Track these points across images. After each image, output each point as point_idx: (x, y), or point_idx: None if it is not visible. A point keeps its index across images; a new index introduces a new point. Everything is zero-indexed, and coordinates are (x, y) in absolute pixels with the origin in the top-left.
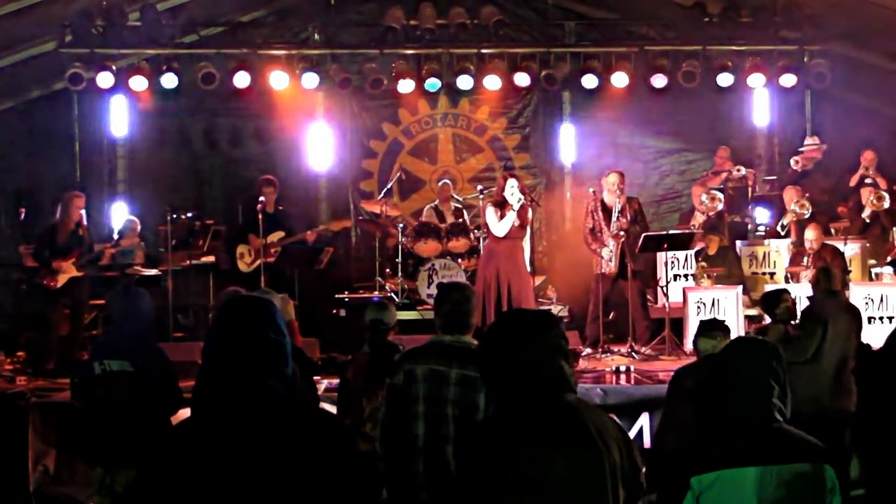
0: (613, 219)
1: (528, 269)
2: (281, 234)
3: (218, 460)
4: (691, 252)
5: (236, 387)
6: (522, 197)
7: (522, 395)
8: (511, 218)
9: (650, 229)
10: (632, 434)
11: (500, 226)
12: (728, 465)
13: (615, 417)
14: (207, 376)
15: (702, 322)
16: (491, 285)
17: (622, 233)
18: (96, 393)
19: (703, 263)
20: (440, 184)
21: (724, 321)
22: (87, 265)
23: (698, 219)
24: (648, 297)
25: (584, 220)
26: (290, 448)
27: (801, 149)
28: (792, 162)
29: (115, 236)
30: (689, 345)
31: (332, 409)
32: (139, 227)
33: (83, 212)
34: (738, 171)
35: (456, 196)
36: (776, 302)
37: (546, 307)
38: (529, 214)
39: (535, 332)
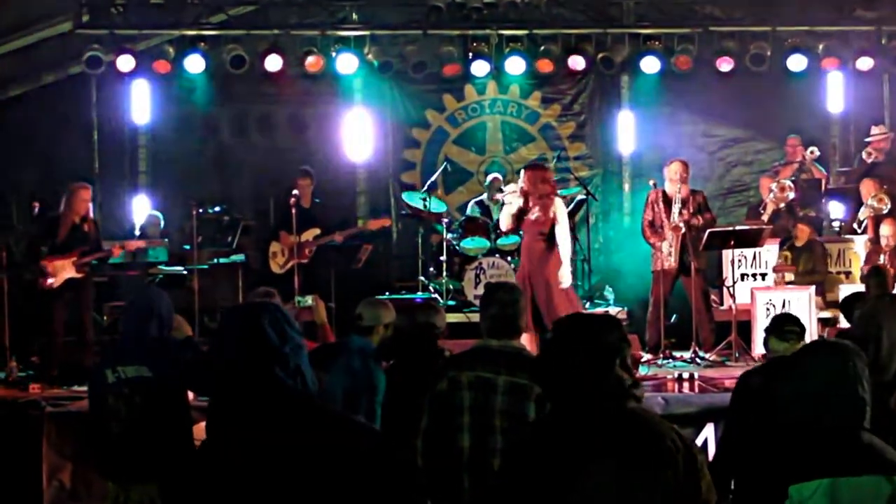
0: (674, 210)
1: (564, 269)
2: (316, 231)
3: (237, 467)
4: (760, 249)
5: (246, 390)
6: (517, 189)
7: (574, 403)
8: (507, 210)
9: (716, 225)
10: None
11: (500, 219)
12: (829, 475)
13: (677, 428)
14: (217, 382)
15: (775, 318)
16: (525, 287)
17: (682, 225)
18: (109, 403)
19: (787, 253)
20: (490, 178)
21: (798, 319)
22: (90, 265)
23: (768, 211)
24: (713, 298)
25: (644, 212)
26: (312, 454)
27: (867, 139)
28: (864, 153)
29: (137, 232)
30: (757, 350)
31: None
32: (162, 223)
33: (91, 206)
34: (812, 153)
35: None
36: (853, 304)
37: (602, 310)
38: (555, 210)
39: (591, 337)
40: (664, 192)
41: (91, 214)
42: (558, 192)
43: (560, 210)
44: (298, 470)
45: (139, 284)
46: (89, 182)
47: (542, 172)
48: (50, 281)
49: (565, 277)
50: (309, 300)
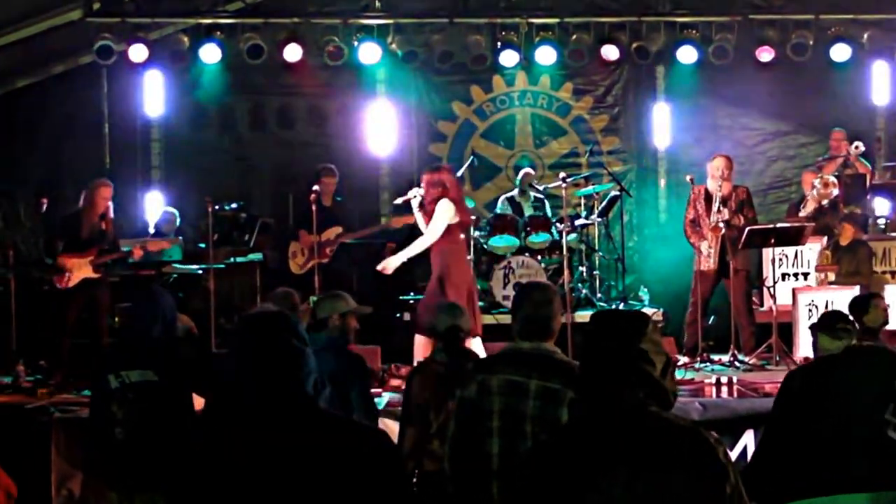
0: (714, 209)
1: (394, 258)
2: (338, 229)
3: (243, 470)
4: (802, 247)
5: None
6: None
7: (594, 405)
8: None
9: (759, 222)
10: (735, 454)
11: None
12: (838, 491)
13: (716, 435)
14: (228, 389)
15: (826, 314)
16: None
17: (722, 225)
18: (112, 409)
19: (829, 253)
20: (522, 172)
21: (849, 317)
22: (108, 266)
23: (809, 207)
24: (754, 298)
25: (686, 210)
26: (318, 458)
27: None
28: None
29: (151, 230)
30: (799, 353)
31: (395, 424)
32: (177, 220)
33: (111, 204)
34: (857, 147)
35: (535, 185)
36: (864, 308)
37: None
38: (443, 214)
39: (611, 336)
40: (707, 190)
41: (111, 213)
42: (450, 194)
43: (439, 210)
44: (305, 473)
45: (142, 284)
46: (95, 178)
47: (431, 175)
48: (66, 280)
49: (390, 263)
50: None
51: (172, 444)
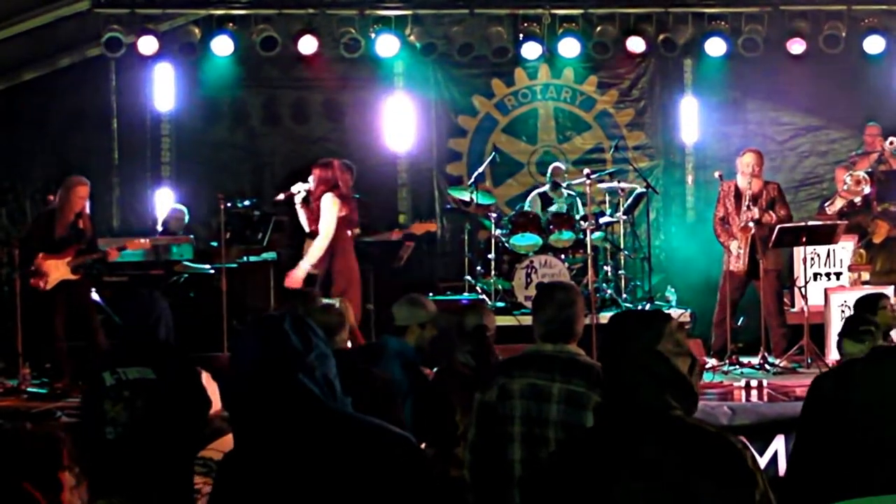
0: (744, 207)
1: (298, 270)
2: (355, 229)
3: (266, 481)
4: (834, 246)
5: (268, 399)
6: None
7: (618, 411)
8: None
9: (792, 219)
10: (765, 459)
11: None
12: (872, 494)
13: (745, 440)
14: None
15: (848, 319)
16: None
17: (752, 224)
18: (104, 408)
19: (862, 252)
20: (551, 167)
21: (871, 317)
22: (84, 267)
23: (836, 205)
24: (785, 299)
25: (716, 207)
26: (343, 465)
27: None
28: None
29: (159, 227)
30: (831, 355)
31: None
32: (187, 217)
33: (87, 203)
34: (892, 142)
35: (563, 181)
36: (873, 308)
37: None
38: (329, 210)
39: (625, 337)
40: (737, 187)
41: (87, 210)
42: (337, 191)
43: (325, 206)
44: (330, 483)
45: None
46: (103, 174)
47: (321, 170)
48: (43, 282)
49: (296, 275)
50: (336, 302)
51: (169, 448)
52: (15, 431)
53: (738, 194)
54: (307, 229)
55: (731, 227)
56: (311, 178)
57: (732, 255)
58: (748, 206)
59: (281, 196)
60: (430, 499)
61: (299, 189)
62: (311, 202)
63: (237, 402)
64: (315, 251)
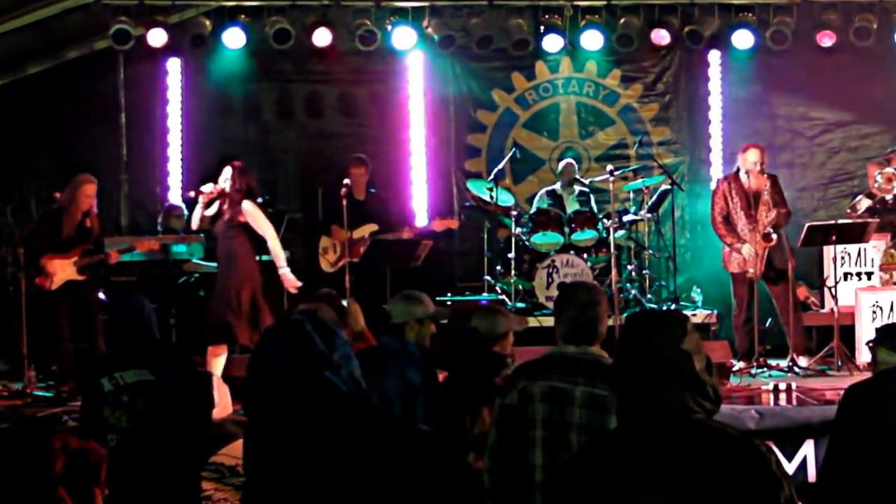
0: (759, 211)
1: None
2: (373, 227)
3: (291, 479)
4: (866, 245)
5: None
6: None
7: (638, 414)
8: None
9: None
10: (793, 465)
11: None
12: None
13: (773, 446)
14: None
15: (885, 327)
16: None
17: (772, 230)
18: (104, 415)
19: (894, 251)
20: (562, 164)
21: None
22: (91, 268)
23: (862, 203)
24: (813, 300)
25: (714, 206)
26: (373, 461)
27: None
28: None
29: (159, 228)
30: (862, 357)
31: None
32: (185, 214)
33: (94, 201)
34: None
35: (580, 178)
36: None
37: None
38: (257, 213)
39: (651, 337)
40: (740, 183)
41: (95, 209)
42: (252, 196)
43: (254, 212)
44: (363, 478)
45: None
46: (111, 170)
47: (242, 173)
48: (49, 282)
49: (291, 280)
50: (343, 303)
51: (170, 452)
52: (58, 438)
53: (744, 193)
54: (194, 227)
55: (737, 227)
56: (223, 177)
57: (741, 258)
58: (763, 210)
59: (192, 193)
60: (460, 492)
61: (211, 189)
62: (231, 196)
63: (262, 402)
64: (279, 252)
